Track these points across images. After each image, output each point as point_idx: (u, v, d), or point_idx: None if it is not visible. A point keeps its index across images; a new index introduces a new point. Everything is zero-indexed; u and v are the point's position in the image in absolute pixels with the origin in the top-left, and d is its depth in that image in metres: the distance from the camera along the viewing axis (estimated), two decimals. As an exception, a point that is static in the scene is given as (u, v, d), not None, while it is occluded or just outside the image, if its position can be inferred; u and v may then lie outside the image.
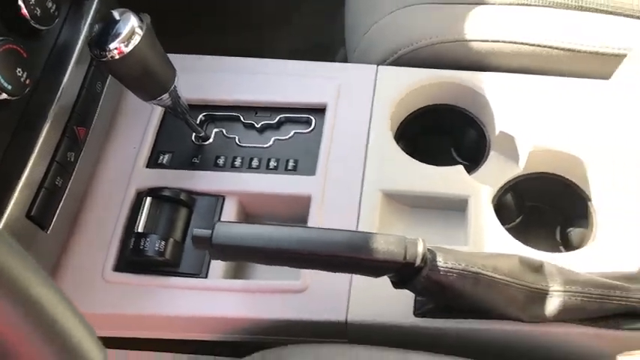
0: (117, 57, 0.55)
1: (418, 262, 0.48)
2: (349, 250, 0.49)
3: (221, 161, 0.67)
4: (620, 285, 0.53)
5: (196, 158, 0.67)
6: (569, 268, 0.54)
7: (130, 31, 0.55)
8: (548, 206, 0.69)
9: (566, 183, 0.65)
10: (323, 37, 1.01)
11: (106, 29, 0.55)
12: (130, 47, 0.55)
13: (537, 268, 0.53)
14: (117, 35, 0.55)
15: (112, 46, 0.55)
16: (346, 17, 0.84)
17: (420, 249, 0.49)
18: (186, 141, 0.68)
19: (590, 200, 0.64)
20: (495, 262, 0.51)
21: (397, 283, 0.52)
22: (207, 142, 0.68)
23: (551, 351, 0.55)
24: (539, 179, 0.66)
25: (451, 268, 0.49)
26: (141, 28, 0.55)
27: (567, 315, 0.52)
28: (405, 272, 0.50)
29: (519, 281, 0.51)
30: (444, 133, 0.73)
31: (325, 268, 0.52)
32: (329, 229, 0.51)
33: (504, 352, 0.55)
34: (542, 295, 0.52)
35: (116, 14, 0.56)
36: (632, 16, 0.69)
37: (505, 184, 0.65)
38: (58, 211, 0.59)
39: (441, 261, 0.49)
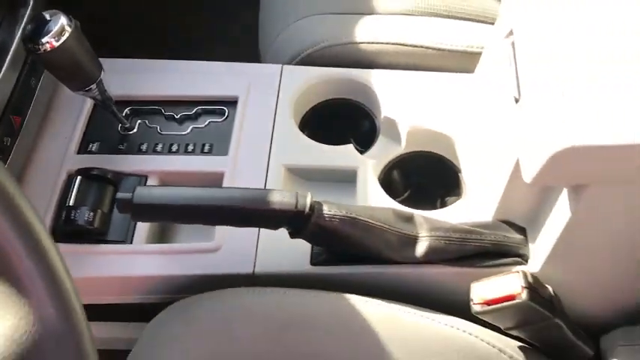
0: (48, 50, 0.64)
1: (307, 210, 0.59)
2: (250, 202, 0.59)
3: (144, 147, 0.75)
4: (476, 230, 0.65)
5: (122, 145, 0.76)
6: (436, 219, 0.66)
7: (60, 28, 0.64)
8: (429, 181, 0.80)
9: (441, 159, 0.78)
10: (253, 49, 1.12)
11: (39, 27, 0.64)
12: (60, 41, 0.64)
13: (408, 218, 0.64)
14: (49, 31, 0.64)
15: (44, 40, 0.63)
16: (260, 27, 0.95)
17: (309, 199, 0.59)
18: (112, 131, 0.77)
19: (460, 172, 0.76)
20: (372, 212, 0.62)
21: (293, 233, 0.62)
22: (131, 132, 0.77)
23: (424, 289, 0.66)
24: (419, 156, 0.78)
25: (334, 215, 0.60)
26: (70, 26, 0.65)
27: (434, 256, 0.63)
28: (297, 221, 0.60)
29: (392, 227, 0.62)
30: (343, 123, 0.85)
31: (232, 222, 0.61)
32: (234, 187, 0.61)
33: (388, 291, 0.65)
34: (412, 240, 0.63)
35: (47, 15, 0.65)
36: (485, 22, 0.84)
37: (390, 162, 0.77)
38: (-6, 190, 0.67)
39: (325, 209, 0.59)
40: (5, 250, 0.32)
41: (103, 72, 0.70)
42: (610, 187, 0.53)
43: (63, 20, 0.64)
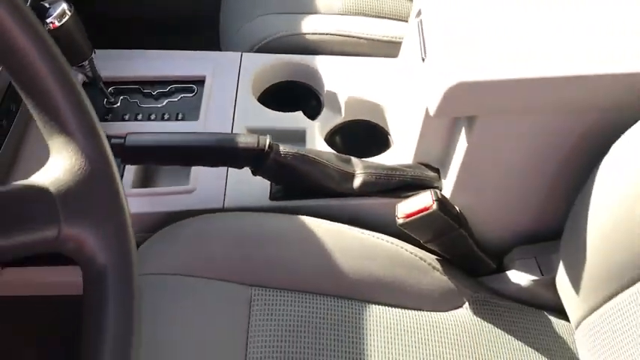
0: (51, 29, 0.78)
1: (266, 148, 0.74)
2: (221, 142, 0.74)
3: (127, 117, 0.90)
4: (399, 168, 0.82)
5: (107, 116, 0.90)
6: (369, 161, 0.82)
7: (62, 11, 0.79)
8: (365, 144, 0.97)
9: (374, 125, 0.95)
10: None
11: (41, 12, 0.79)
12: (62, 22, 0.79)
13: (347, 160, 0.81)
14: (51, 14, 0.79)
15: (48, 20, 0.78)
16: (220, 27, 1.12)
17: (268, 140, 0.75)
18: (98, 106, 0.91)
19: (389, 135, 0.94)
20: (318, 152, 0.78)
21: (254, 171, 0.77)
22: (115, 106, 0.92)
23: (361, 215, 0.82)
24: (356, 124, 0.95)
25: (287, 152, 0.75)
26: (70, 10, 0.80)
27: (366, 188, 0.80)
28: (258, 159, 0.75)
29: (334, 165, 0.78)
30: (293, 102, 1.01)
31: (206, 160, 0.76)
32: (208, 132, 0.76)
33: (333, 219, 0.80)
34: (350, 176, 0.80)
35: (46, 3, 0.80)
36: (402, 20, 1.05)
37: (333, 128, 0.94)
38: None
39: (281, 148, 0.75)
40: (64, 118, 0.46)
41: (94, 52, 0.85)
42: (495, 117, 0.70)
43: (64, 5, 0.79)
